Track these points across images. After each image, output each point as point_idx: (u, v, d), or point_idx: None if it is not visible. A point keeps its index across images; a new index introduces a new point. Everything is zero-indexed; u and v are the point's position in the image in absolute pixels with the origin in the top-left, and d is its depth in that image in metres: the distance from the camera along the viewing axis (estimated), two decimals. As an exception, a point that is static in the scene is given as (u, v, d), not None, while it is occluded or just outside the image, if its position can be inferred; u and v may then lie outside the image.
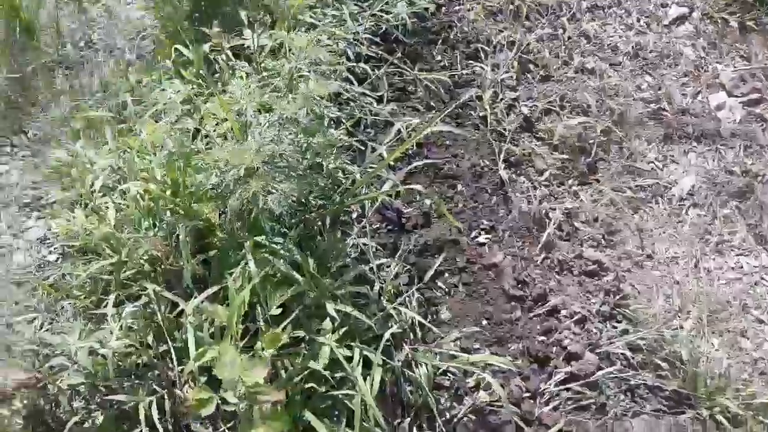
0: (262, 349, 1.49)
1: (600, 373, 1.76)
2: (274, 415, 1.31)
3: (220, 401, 1.34)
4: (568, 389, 1.74)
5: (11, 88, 2.61)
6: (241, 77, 2.08)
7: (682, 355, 1.80)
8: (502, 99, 2.43)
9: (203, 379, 1.62)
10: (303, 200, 1.82)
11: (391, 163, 2.14)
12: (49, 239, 2.32)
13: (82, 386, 1.64)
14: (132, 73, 2.48)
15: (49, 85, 2.57)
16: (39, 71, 2.60)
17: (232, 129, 1.75)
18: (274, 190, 1.54)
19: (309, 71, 2.15)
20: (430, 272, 1.91)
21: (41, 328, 2.13)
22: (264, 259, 1.66)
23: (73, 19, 2.83)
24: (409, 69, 2.51)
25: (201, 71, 2.14)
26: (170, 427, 1.57)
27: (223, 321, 1.49)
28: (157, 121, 1.95)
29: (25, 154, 2.46)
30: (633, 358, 1.82)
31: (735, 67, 2.79)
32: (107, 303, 1.82)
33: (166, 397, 1.60)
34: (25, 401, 1.71)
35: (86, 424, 1.70)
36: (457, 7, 2.77)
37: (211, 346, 1.48)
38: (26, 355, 2.02)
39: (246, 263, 1.56)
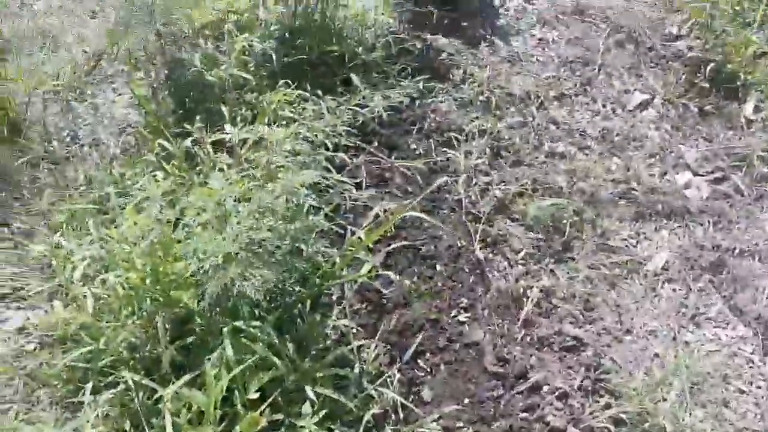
0: (240, 432, 1.47)
1: (585, 448, 1.75)
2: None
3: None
4: (553, 467, 1.72)
5: (-5, 184, 2.68)
6: (221, 169, 2.16)
7: (666, 427, 1.79)
8: (476, 183, 2.52)
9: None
10: (281, 285, 1.84)
11: (371, 245, 2.19)
12: (27, 329, 2.32)
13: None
14: (116, 167, 2.56)
15: (33, 179, 2.64)
16: (24, 167, 2.68)
17: (211, 219, 1.80)
18: (251, 276, 1.57)
19: (288, 162, 2.24)
20: (410, 352, 1.92)
21: (16, 418, 2.09)
22: (242, 343, 1.67)
23: (60, 116, 2.94)
24: (386, 157, 2.61)
25: (182, 164, 2.23)
26: None
27: (201, 407, 1.48)
28: (139, 213, 2.01)
29: (6, 247, 2.49)
30: (617, 431, 1.81)
31: (698, 148, 2.92)
32: (84, 391, 1.81)
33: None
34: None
35: None
36: (429, 100, 2.92)
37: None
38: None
39: (224, 348, 1.57)
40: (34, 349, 2.25)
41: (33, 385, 2.01)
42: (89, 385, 1.77)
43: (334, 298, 2.09)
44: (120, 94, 3.08)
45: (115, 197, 2.28)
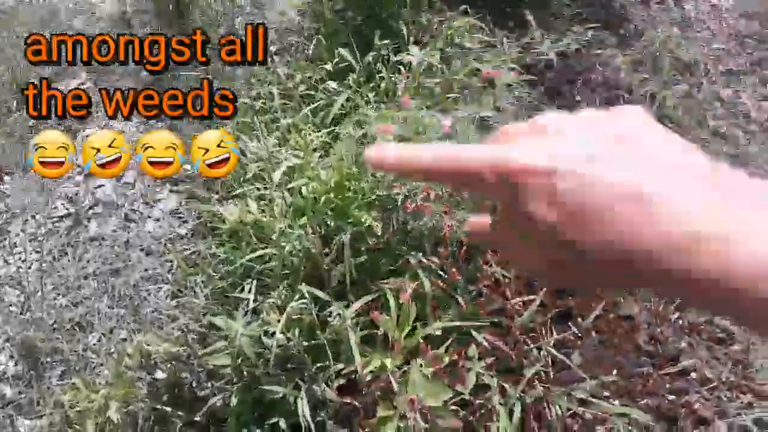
0: (421, 366, 1.51)
1: (728, 444, 1.76)
2: (442, 436, 1.33)
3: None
4: (695, 455, 1.73)
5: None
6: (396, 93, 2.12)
7: (811, 440, 1.78)
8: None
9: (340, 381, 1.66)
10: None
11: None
12: (180, 213, 2.37)
13: (228, 368, 1.68)
14: (278, 66, 2.54)
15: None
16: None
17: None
18: (457, 216, 1.56)
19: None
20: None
21: (170, 298, 2.18)
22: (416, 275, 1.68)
23: (220, 3, 2.91)
24: (547, 104, 2.52)
25: (361, 80, 2.19)
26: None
27: (390, 332, 1.51)
28: (321, 121, 2.00)
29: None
30: (760, 433, 1.80)
31: None
32: (243, 288, 1.86)
33: (305, 394, 1.63)
34: (166, 372, 1.76)
35: (218, 404, 1.74)
36: (598, 51, 2.78)
37: (371, 355, 1.51)
38: (156, 322, 2.07)
39: (417, 277, 1.59)
40: (187, 234, 2.32)
41: (187, 270, 2.08)
42: (251, 284, 1.83)
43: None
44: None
45: (278, 98, 2.27)
